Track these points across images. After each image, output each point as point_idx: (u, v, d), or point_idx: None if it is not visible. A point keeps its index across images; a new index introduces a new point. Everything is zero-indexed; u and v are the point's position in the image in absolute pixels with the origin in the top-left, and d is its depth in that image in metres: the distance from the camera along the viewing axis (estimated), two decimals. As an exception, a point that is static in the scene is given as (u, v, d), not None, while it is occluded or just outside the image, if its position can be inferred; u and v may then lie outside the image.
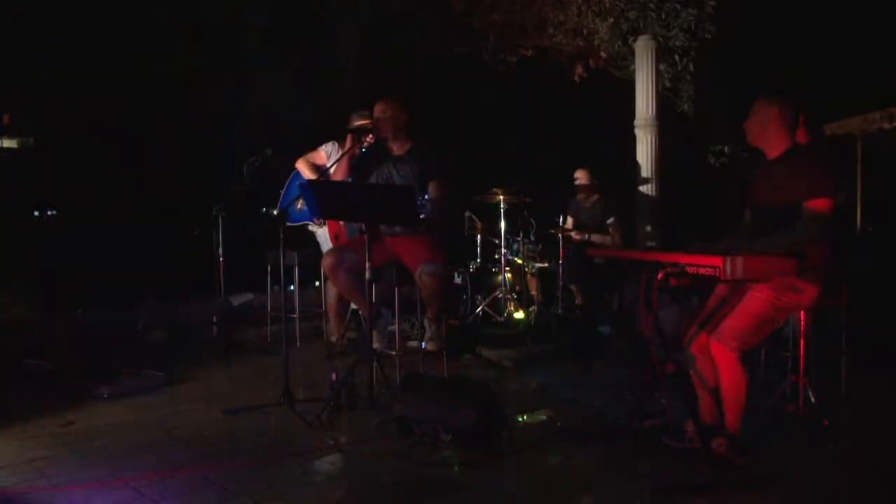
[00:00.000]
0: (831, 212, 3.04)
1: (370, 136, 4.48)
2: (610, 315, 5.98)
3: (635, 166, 6.06)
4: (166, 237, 8.10)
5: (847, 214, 6.10)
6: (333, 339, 5.40)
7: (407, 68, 9.46)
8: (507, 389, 4.34)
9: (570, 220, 6.69)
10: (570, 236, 6.40)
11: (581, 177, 6.61)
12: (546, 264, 6.30)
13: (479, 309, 6.27)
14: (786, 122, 3.21)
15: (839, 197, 3.10)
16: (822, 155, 3.15)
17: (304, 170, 5.26)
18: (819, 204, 3.03)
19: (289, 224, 5.36)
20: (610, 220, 6.46)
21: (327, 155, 5.29)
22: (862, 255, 5.85)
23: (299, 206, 5.31)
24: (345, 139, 5.26)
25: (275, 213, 5.50)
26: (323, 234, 5.41)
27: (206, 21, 9.30)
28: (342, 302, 5.46)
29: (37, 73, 9.46)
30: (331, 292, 5.50)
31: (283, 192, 5.56)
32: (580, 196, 6.70)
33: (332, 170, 4.59)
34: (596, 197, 6.62)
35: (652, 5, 6.76)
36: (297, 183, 5.09)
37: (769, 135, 3.23)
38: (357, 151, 4.45)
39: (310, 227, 5.51)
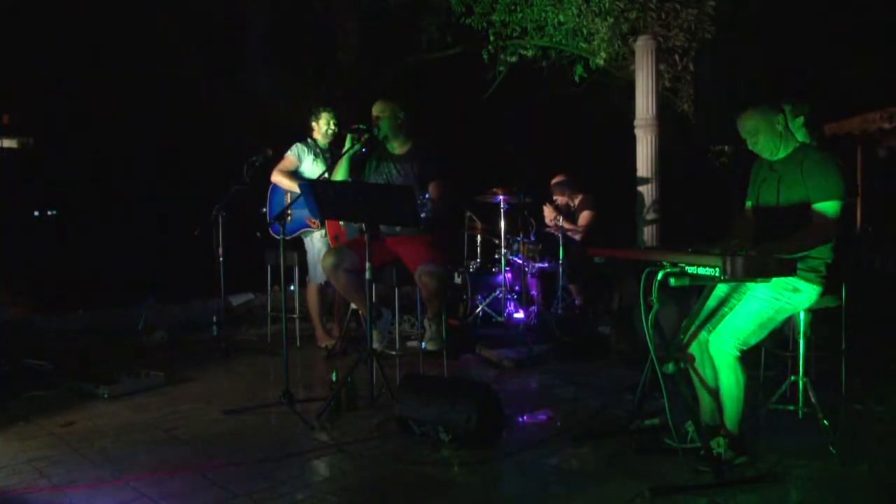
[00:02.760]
0: (841, 214, 3.02)
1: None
2: (610, 315, 5.98)
3: (635, 166, 6.05)
4: (166, 237, 8.10)
5: (847, 214, 6.08)
6: (324, 344, 5.38)
7: (407, 68, 9.46)
8: (507, 389, 4.34)
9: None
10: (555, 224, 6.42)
11: (560, 179, 6.74)
12: (546, 264, 6.30)
13: (479, 309, 6.26)
14: (776, 126, 3.17)
15: (849, 200, 3.08)
16: (832, 156, 3.12)
17: (282, 181, 5.19)
18: (829, 207, 3.02)
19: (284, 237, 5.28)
20: (583, 213, 6.61)
21: (295, 156, 5.24)
22: (862, 255, 5.84)
23: (290, 217, 5.26)
24: (313, 138, 5.28)
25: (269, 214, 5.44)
26: (316, 241, 5.34)
27: (206, 21, 9.30)
28: (342, 302, 5.46)
29: (37, 73, 9.47)
30: (311, 298, 5.47)
31: (266, 209, 5.44)
32: (560, 199, 6.79)
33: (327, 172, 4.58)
34: (580, 197, 6.72)
35: (652, 5, 6.73)
36: (298, 183, 5.05)
37: (764, 143, 3.20)
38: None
39: (303, 236, 5.40)
